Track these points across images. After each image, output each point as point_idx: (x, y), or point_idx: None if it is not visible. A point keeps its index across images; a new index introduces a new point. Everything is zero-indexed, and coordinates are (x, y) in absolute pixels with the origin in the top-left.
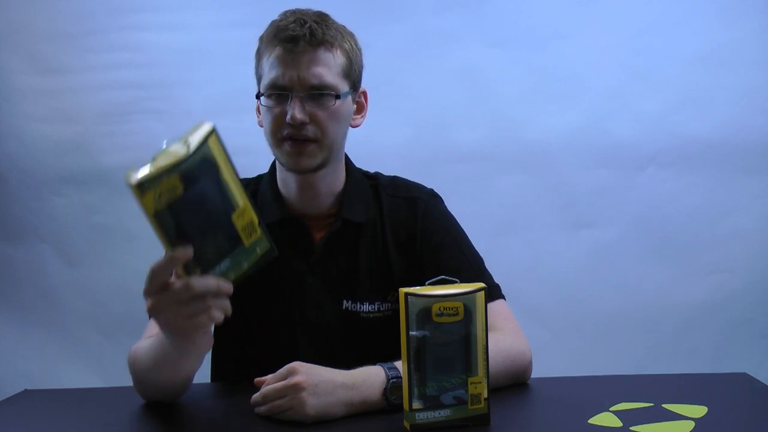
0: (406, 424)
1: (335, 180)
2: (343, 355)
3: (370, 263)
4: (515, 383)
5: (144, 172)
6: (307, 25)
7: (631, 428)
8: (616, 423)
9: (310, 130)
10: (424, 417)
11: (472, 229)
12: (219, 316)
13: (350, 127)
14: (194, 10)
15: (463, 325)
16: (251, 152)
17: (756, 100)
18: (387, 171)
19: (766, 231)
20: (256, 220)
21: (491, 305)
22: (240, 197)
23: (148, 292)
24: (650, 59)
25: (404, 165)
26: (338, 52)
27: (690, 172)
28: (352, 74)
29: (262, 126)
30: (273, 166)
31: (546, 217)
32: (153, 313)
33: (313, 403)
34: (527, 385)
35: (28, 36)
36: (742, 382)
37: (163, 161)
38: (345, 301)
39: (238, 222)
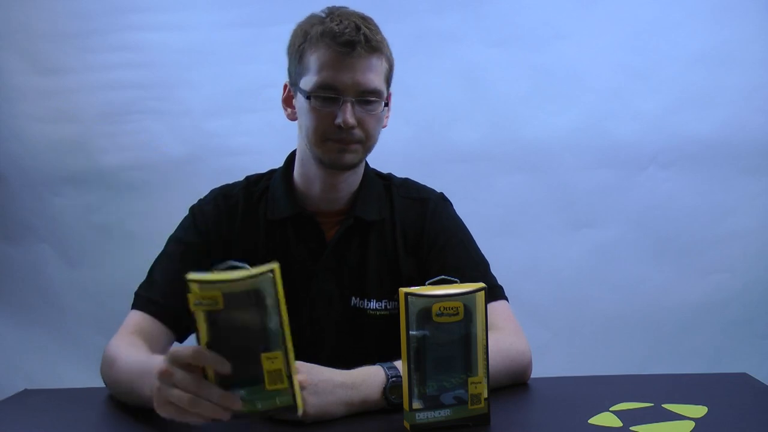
0: (406, 424)
1: (356, 180)
2: (348, 351)
3: (379, 262)
4: (515, 383)
5: (202, 275)
6: (362, 31)
7: (631, 428)
8: (616, 423)
9: (356, 134)
10: (424, 417)
11: (472, 229)
12: (204, 421)
13: None
14: (194, 10)
15: (463, 325)
16: (252, 152)
17: (756, 100)
18: (387, 171)
19: (766, 231)
20: (285, 373)
21: (493, 305)
22: (280, 344)
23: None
24: (650, 59)
25: (404, 165)
26: (383, 58)
27: (690, 172)
28: (390, 79)
29: (292, 119)
30: (288, 162)
31: (546, 217)
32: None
33: (312, 403)
34: (527, 385)
35: (28, 36)
36: (742, 382)
37: (220, 275)
38: (353, 298)
39: (266, 363)
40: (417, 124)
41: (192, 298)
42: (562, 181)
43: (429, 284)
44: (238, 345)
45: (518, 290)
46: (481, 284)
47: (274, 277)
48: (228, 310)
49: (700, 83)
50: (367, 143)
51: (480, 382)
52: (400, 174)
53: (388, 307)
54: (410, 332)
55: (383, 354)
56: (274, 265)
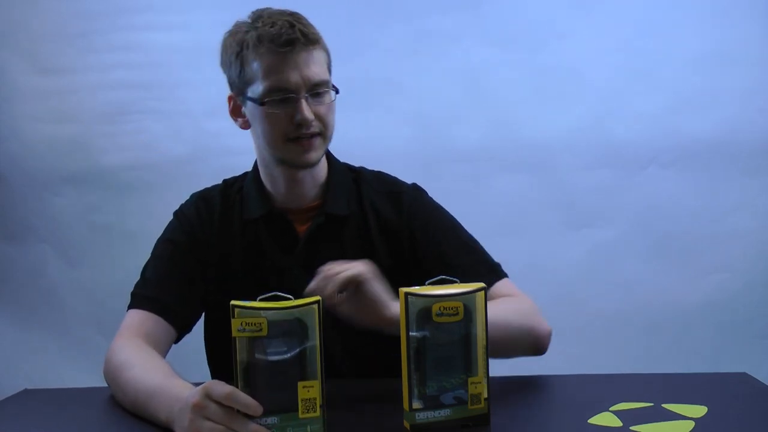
0: (406, 424)
1: (319, 172)
2: (331, 344)
3: (354, 254)
4: (533, 348)
5: (248, 302)
6: (297, 27)
7: (631, 428)
8: (616, 423)
9: (316, 126)
10: (424, 417)
11: (472, 229)
12: None
13: None
14: (195, 11)
15: (463, 325)
16: (251, 152)
17: (756, 100)
18: (387, 171)
19: (766, 231)
20: (319, 402)
21: (502, 284)
22: (318, 374)
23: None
24: (650, 59)
25: (404, 165)
26: (322, 49)
27: (690, 172)
28: (331, 67)
29: (245, 128)
30: (256, 164)
31: (546, 217)
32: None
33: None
34: (527, 385)
35: (28, 36)
36: (742, 382)
37: (266, 303)
38: None
39: (302, 392)
40: (417, 124)
41: (236, 324)
42: (562, 181)
43: (429, 284)
44: (276, 372)
45: None
46: (482, 284)
47: (318, 309)
48: (270, 338)
49: (700, 83)
50: (326, 134)
51: (480, 382)
52: (400, 174)
53: None
54: (410, 332)
55: (367, 346)
56: (318, 297)
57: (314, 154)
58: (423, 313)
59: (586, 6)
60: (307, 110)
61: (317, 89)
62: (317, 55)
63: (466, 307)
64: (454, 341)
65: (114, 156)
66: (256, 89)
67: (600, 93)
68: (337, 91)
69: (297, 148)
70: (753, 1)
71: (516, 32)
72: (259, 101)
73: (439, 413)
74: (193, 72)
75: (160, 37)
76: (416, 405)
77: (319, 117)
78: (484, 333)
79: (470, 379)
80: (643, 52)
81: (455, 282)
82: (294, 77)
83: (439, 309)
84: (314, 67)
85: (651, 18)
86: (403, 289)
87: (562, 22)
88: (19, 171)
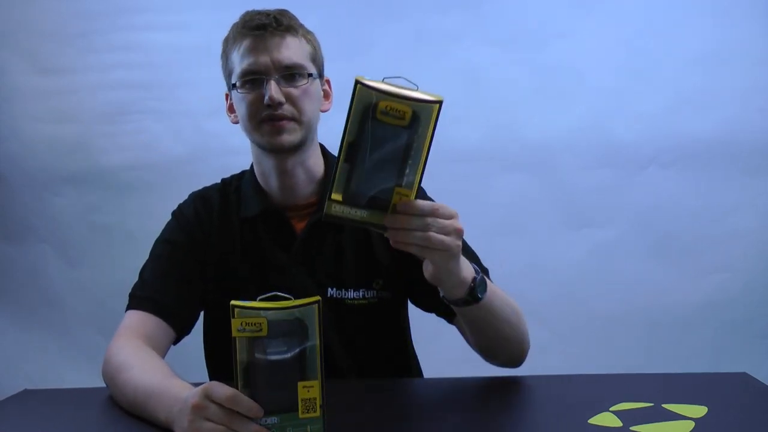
0: (325, 211)
1: (312, 166)
2: (331, 343)
3: (353, 251)
4: (510, 360)
5: (248, 302)
6: (272, 15)
7: (631, 428)
8: (616, 423)
9: (287, 110)
10: (340, 210)
11: (472, 229)
12: None
13: (320, 113)
14: (194, 10)
15: (406, 132)
16: (250, 152)
17: (756, 100)
18: None
19: (766, 231)
20: (319, 402)
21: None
22: (318, 374)
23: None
24: (650, 59)
25: None
26: (303, 39)
27: (690, 172)
28: (318, 60)
29: (236, 122)
30: (253, 163)
31: (546, 217)
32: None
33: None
34: (527, 385)
35: (28, 36)
36: (742, 382)
37: (266, 303)
38: (330, 289)
39: (302, 392)
40: None
41: (236, 324)
42: (562, 181)
43: (386, 80)
44: (276, 372)
45: (518, 290)
46: (439, 98)
47: (318, 308)
48: (270, 338)
49: (700, 83)
50: (301, 119)
51: (407, 195)
52: None
53: (366, 296)
54: (351, 122)
55: (366, 344)
56: (318, 297)
57: (287, 137)
58: (369, 106)
59: (586, 6)
60: (274, 90)
61: (289, 72)
62: (292, 42)
63: (415, 114)
64: (393, 146)
65: (114, 156)
66: (234, 75)
67: (600, 93)
68: (310, 75)
69: (269, 130)
70: (753, 1)
71: (516, 32)
72: (233, 85)
73: (357, 212)
74: (193, 72)
75: (160, 37)
76: (336, 196)
77: (291, 100)
78: (427, 151)
79: (398, 189)
80: (643, 52)
81: (414, 88)
82: (263, 59)
83: (386, 107)
84: (286, 51)
85: (651, 18)
86: (359, 77)
87: (562, 21)
88: (19, 171)
